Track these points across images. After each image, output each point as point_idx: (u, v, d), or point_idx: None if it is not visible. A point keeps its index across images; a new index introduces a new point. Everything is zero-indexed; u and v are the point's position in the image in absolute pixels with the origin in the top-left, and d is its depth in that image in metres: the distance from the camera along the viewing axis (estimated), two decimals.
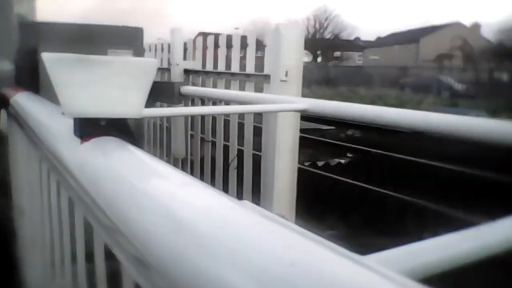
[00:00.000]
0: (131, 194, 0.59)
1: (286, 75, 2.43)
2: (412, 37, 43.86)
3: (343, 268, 0.36)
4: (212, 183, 3.10)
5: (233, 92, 2.67)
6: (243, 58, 3.00)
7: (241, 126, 2.86)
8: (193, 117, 3.42)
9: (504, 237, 0.55)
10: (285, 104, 1.82)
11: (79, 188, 0.76)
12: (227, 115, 2.98)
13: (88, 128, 0.81)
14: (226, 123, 3.01)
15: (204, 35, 3.69)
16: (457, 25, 41.56)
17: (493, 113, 15.01)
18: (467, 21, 45.00)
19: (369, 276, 0.35)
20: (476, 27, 42.12)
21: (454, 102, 20.33)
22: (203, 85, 3.30)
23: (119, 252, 0.62)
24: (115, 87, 0.76)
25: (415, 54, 42.01)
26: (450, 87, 25.02)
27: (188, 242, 0.44)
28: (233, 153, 2.94)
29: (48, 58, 0.77)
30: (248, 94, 2.42)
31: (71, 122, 0.86)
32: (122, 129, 0.81)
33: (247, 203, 0.51)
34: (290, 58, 2.45)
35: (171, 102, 2.88)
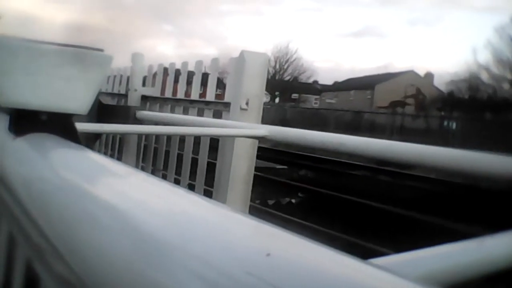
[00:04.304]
0: (74, 196, 0.49)
1: (247, 103, 2.37)
2: (368, 83, 45.07)
3: (316, 255, 0.32)
4: None
5: (191, 117, 2.59)
6: (202, 95, 2.93)
7: (194, 161, 2.77)
8: (145, 148, 3.31)
9: None
10: (245, 129, 1.75)
11: (6, 191, 0.64)
12: (181, 148, 2.89)
13: (26, 122, 0.69)
14: (179, 156, 2.92)
15: (164, 68, 3.60)
16: (411, 74, 43.02)
17: None
18: (421, 70, 46.55)
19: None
20: (429, 76, 43.69)
21: None
22: (160, 111, 3.19)
23: (45, 272, 0.51)
24: (62, 78, 0.67)
25: (370, 100, 43.09)
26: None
27: (148, 253, 0.34)
28: (184, 185, 2.83)
29: None
30: (206, 119, 2.34)
31: (6, 118, 0.74)
32: (65, 126, 0.69)
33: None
34: (252, 87, 2.39)
35: None
